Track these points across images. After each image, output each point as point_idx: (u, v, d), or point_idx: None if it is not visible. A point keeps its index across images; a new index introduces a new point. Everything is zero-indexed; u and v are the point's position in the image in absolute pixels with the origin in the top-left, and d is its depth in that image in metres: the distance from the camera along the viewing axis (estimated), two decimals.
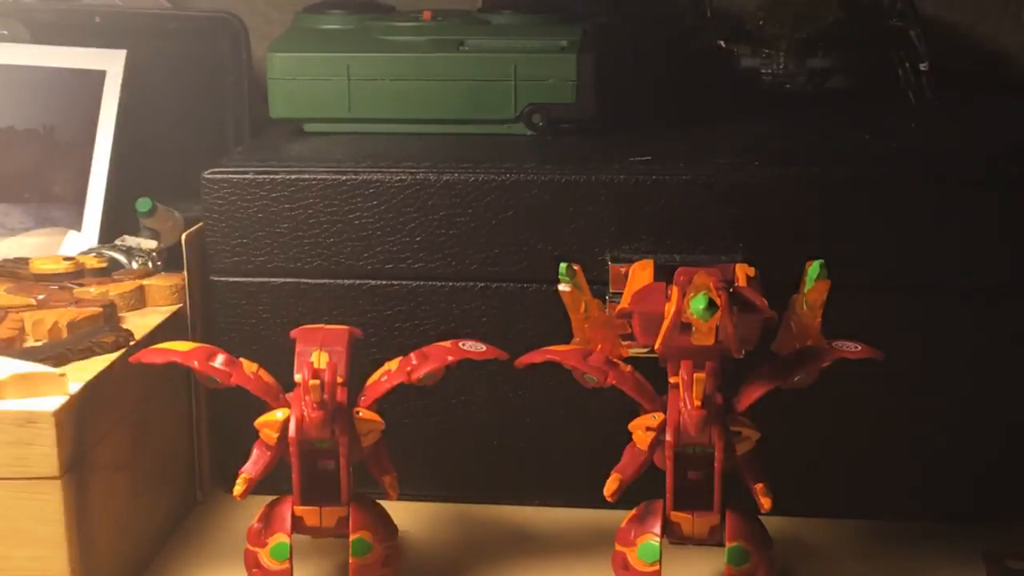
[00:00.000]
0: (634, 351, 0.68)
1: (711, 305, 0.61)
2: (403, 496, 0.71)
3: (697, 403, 0.63)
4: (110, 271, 0.83)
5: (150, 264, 0.84)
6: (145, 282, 0.79)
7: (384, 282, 0.77)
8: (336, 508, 0.68)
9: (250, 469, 0.68)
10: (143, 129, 0.97)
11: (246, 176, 0.77)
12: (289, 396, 0.67)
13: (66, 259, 0.82)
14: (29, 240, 0.93)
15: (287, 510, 0.68)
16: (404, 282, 0.77)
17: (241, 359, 0.68)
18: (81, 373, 0.67)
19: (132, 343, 0.72)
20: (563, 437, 0.78)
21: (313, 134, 0.84)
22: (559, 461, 0.78)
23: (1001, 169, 0.74)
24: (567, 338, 0.68)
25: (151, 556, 0.75)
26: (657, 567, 0.66)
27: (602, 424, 0.75)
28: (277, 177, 0.76)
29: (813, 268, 0.65)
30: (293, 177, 0.76)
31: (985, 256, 0.73)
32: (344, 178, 0.76)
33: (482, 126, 0.82)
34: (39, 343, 0.72)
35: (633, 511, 0.68)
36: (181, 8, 1.04)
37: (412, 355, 0.69)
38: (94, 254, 0.85)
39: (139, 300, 0.79)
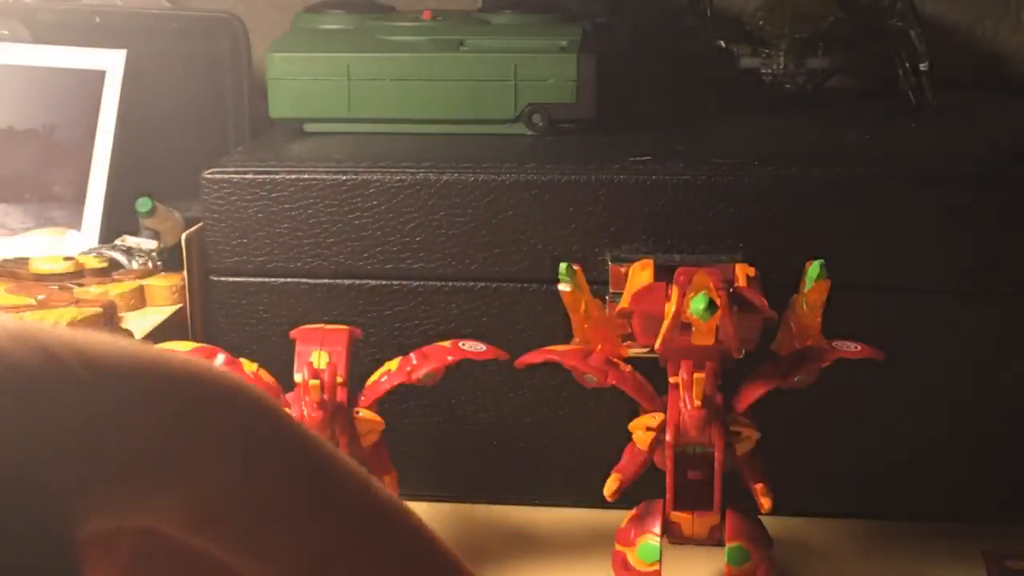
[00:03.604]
0: (634, 351, 0.68)
1: (711, 305, 0.61)
2: (403, 496, 0.70)
3: (697, 403, 0.63)
4: (110, 271, 0.83)
5: (150, 264, 0.84)
6: (145, 282, 0.79)
7: (384, 282, 0.77)
8: None
9: None
10: (143, 129, 0.97)
11: (246, 176, 0.77)
12: (289, 396, 0.67)
13: (66, 259, 0.82)
14: (29, 240, 0.93)
15: None
16: (404, 282, 0.77)
17: (241, 359, 0.68)
18: None
19: None
20: (563, 437, 0.78)
21: (313, 134, 0.84)
22: (559, 461, 0.78)
23: (1001, 169, 0.74)
24: (567, 338, 0.68)
25: None
26: (657, 567, 0.66)
27: (602, 424, 0.75)
28: (277, 177, 0.76)
29: (813, 268, 0.65)
30: (293, 177, 0.76)
31: (985, 256, 0.73)
32: (344, 178, 0.76)
33: (482, 126, 0.82)
34: None
35: (633, 511, 0.68)
36: (181, 8, 1.04)
37: (412, 355, 0.69)
38: (94, 254, 0.85)
39: (139, 300, 0.79)
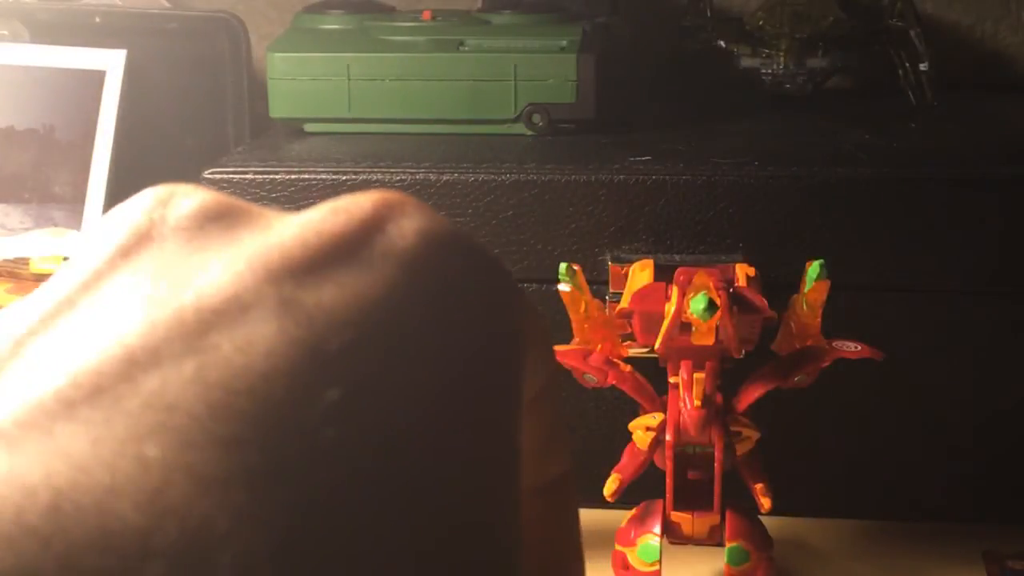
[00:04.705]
0: (634, 351, 0.68)
1: (711, 305, 0.61)
2: None
3: (697, 403, 0.63)
4: None
5: None
6: None
7: None
8: None
9: None
10: (143, 129, 0.97)
11: (246, 176, 0.77)
12: None
13: (66, 259, 0.82)
14: (29, 240, 0.93)
15: None
16: None
17: None
18: None
19: None
20: None
21: (313, 134, 0.84)
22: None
23: (1001, 169, 0.74)
24: (567, 338, 0.68)
25: None
26: (657, 567, 0.66)
27: (602, 424, 0.75)
28: (277, 177, 0.76)
29: (813, 268, 0.65)
30: (293, 177, 0.76)
31: (985, 256, 0.73)
32: (344, 178, 0.76)
33: (482, 126, 0.82)
34: None
35: (633, 511, 0.68)
36: (181, 8, 1.04)
37: None
38: None
39: None
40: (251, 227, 0.21)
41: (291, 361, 0.19)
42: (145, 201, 0.22)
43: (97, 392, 0.18)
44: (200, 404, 0.18)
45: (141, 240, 0.21)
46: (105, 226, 0.22)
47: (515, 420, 0.22)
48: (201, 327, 0.19)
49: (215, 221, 0.22)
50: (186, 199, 0.22)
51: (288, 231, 0.21)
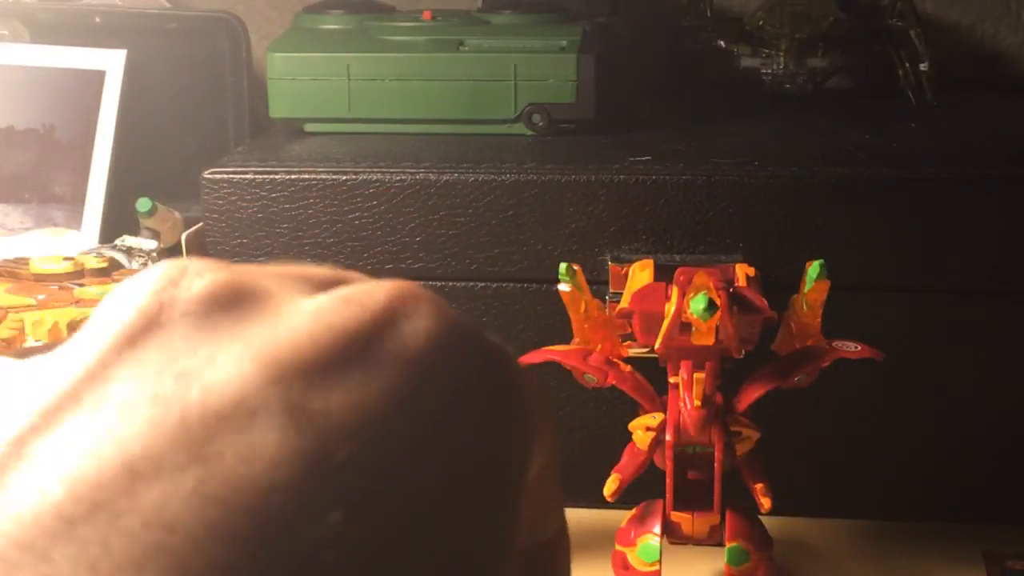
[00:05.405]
0: (634, 351, 0.68)
1: (711, 305, 0.61)
2: None
3: (697, 403, 0.63)
4: (110, 271, 0.83)
5: (150, 264, 0.84)
6: None
7: None
8: None
9: None
10: (143, 129, 0.97)
11: (246, 176, 0.77)
12: None
13: (66, 259, 0.82)
14: (29, 240, 0.93)
15: None
16: None
17: None
18: None
19: None
20: (563, 437, 0.78)
21: (313, 134, 0.84)
22: (559, 461, 0.78)
23: (1001, 169, 0.74)
24: (567, 338, 0.68)
25: None
26: (657, 567, 0.66)
27: (602, 424, 0.75)
28: (277, 177, 0.76)
29: (813, 268, 0.65)
30: (293, 177, 0.76)
31: (985, 256, 0.73)
32: (344, 178, 0.76)
33: (482, 126, 0.82)
34: (39, 343, 0.72)
35: (633, 511, 0.68)
36: (181, 8, 1.04)
37: None
38: (94, 254, 0.85)
39: None
40: (261, 315, 0.21)
41: (293, 474, 0.19)
42: (155, 279, 0.22)
43: (95, 508, 0.18)
44: (198, 523, 0.18)
45: (149, 325, 0.21)
46: (113, 303, 0.21)
47: (516, 523, 0.22)
48: (206, 433, 0.19)
49: (225, 307, 0.21)
50: (197, 279, 0.22)
51: (298, 322, 0.21)
